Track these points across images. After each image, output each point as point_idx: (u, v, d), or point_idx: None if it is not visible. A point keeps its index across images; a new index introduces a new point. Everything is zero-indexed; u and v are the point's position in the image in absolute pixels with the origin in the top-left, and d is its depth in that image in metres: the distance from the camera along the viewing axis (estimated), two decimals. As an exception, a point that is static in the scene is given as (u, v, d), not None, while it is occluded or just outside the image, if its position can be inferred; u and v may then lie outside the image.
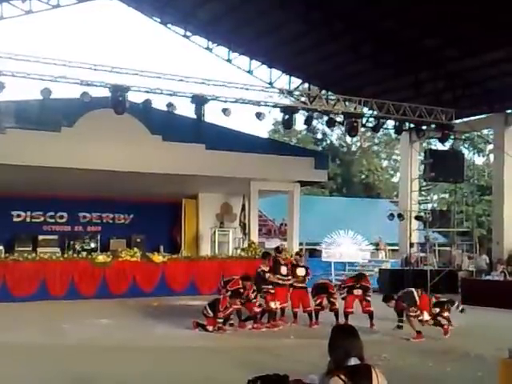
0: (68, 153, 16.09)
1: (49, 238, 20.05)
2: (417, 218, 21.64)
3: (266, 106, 16.83)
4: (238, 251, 19.70)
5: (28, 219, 21.47)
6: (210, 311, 11.08)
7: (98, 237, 21.00)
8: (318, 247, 24.13)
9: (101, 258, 17.07)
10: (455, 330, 11.11)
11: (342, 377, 3.35)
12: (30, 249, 18.72)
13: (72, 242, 20.02)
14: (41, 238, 19.97)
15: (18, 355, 8.99)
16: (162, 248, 20.51)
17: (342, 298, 12.22)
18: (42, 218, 21.65)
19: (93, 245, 20.31)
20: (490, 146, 31.17)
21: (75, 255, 17.51)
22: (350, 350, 3.49)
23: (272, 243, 22.75)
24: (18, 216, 21.28)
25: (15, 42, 47.85)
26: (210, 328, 11.00)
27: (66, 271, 16.50)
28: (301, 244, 20.94)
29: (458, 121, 18.86)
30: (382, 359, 8.15)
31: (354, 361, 3.45)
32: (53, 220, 21.79)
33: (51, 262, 16.57)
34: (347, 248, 23.40)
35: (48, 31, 65.38)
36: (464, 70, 19.40)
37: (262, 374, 4.16)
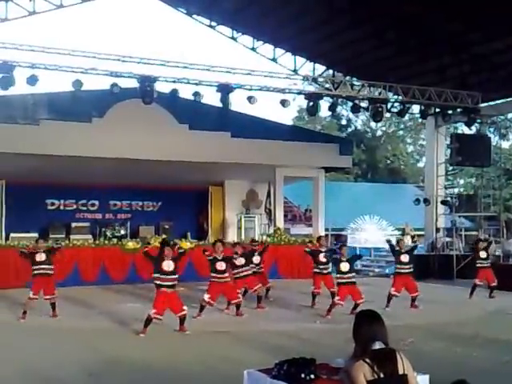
0: (98, 143, 16.46)
1: (81, 226, 20.57)
2: (443, 202, 21.60)
3: (291, 93, 16.84)
4: (264, 237, 19.97)
5: (61, 207, 22.03)
6: None
7: (128, 224, 21.41)
8: (343, 233, 24.25)
9: (130, 244, 17.39)
10: (484, 315, 11.24)
11: (368, 361, 3.46)
12: (64, 236, 19.27)
13: (103, 229, 20.54)
14: (74, 225, 20.50)
15: (52, 338, 9.47)
16: (189, 234, 20.92)
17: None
18: (74, 206, 22.19)
19: (123, 232, 20.70)
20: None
21: (106, 242, 18.04)
22: (374, 334, 3.58)
23: (297, 229, 23.02)
24: (52, 204, 21.85)
25: (47, 35, 48.60)
26: None
27: (98, 257, 17.04)
28: (326, 230, 21.07)
29: (484, 104, 18.63)
30: (407, 344, 8.21)
31: (378, 345, 3.55)
32: (85, 208, 22.31)
33: (83, 249, 17.14)
34: (372, 233, 23.50)
35: (78, 24, 66.09)
36: (489, 53, 19.07)
37: (289, 357, 4.39)
